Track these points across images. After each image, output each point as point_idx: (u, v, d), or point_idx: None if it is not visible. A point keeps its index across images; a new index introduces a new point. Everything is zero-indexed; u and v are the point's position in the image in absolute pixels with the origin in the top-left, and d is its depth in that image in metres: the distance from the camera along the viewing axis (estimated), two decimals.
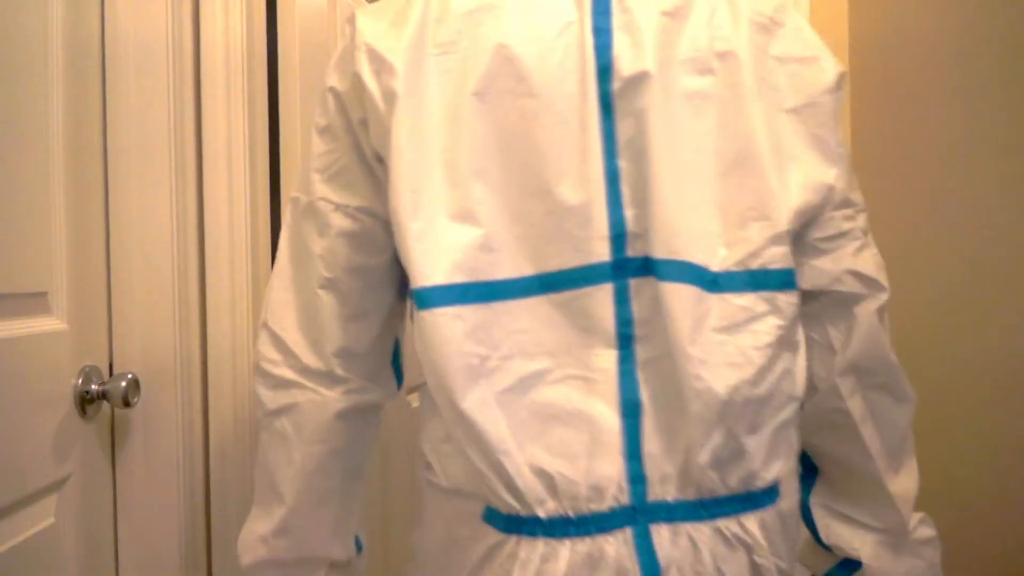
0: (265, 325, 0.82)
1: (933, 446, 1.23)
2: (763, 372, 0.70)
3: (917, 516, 0.85)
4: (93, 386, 1.11)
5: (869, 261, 0.80)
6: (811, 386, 0.81)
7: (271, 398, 0.81)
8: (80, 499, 1.11)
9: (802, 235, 0.77)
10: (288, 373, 0.80)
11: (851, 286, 0.79)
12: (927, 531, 0.86)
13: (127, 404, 1.12)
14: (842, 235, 0.78)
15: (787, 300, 0.72)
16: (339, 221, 0.77)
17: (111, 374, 1.20)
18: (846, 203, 0.78)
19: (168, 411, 1.25)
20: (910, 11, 1.32)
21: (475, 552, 0.71)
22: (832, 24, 1.53)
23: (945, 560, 0.89)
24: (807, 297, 0.79)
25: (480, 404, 0.67)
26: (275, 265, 0.82)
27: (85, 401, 1.10)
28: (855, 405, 0.81)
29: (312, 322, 0.79)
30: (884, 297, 0.81)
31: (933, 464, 1.22)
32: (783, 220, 0.71)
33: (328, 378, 0.80)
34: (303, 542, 0.81)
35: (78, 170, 1.13)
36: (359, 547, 0.90)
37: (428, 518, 0.80)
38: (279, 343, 0.81)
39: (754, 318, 0.71)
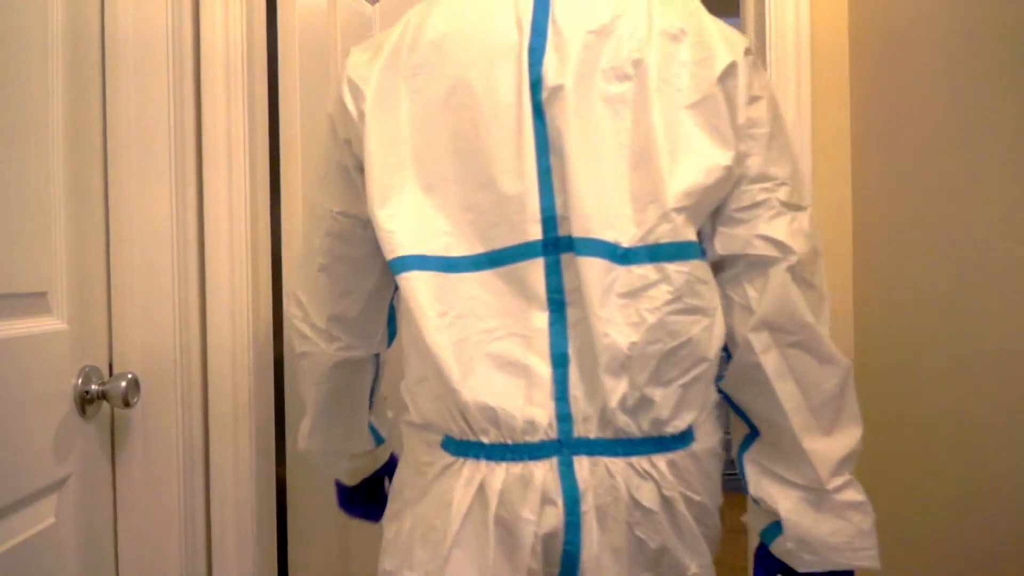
0: (292, 290, 1.07)
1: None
2: (654, 330, 0.83)
3: (843, 478, 0.88)
4: (93, 386, 1.11)
5: (781, 227, 0.88)
6: (735, 344, 0.90)
7: (297, 344, 1.07)
8: (80, 499, 1.11)
9: (722, 208, 0.89)
10: (304, 328, 1.05)
11: (763, 249, 0.88)
12: (854, 495, 0.89)
13: (127, 404, 1.12)
14: (757, 205, 0.88)
15: (675, 269, 0.84)
16: (328, 222, 0.98)
17: (111, 374, 1.20)
18: (762, 177, 0.89)
19: (168, 411, 1.25)
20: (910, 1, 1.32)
21: (431, 472, 0.87)
22: (833, 13, 1.53)
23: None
24: (728, 262, 0.90)
25: (441, 346, 0.84)
26: (297, 267, 1.07)
27: (85, 401, 1.10)
28: (769, 361, 0.88)
29: (316, 293, 1.02)
30: (794, 259, 0.87)
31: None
32: (670, 200, 0.84)
33: (326, 336, 1.03)
34: (326, 441, 1.12)
35: (78, 170, 1.13)
36: (379, 440, 1.17)
37: (403, 457, 0.96)
38: (300, 304, 1.05)
39: (649, 285, 0.84)
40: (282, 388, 1.44)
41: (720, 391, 0.93)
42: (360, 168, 0.91)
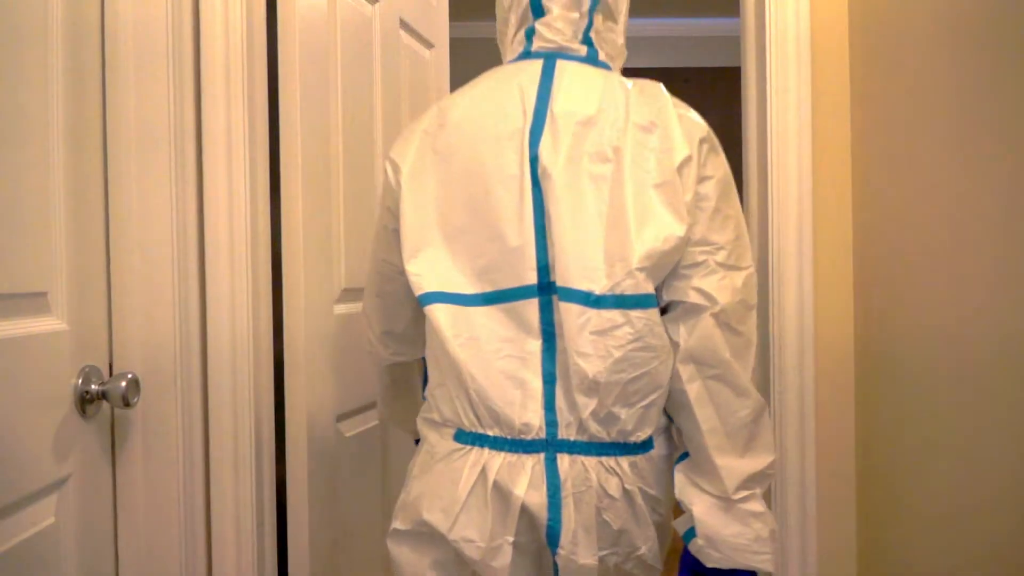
0: (363, 308, 1.35)
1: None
2: (620, 363, 1.04)
3: (748, 492, 1.06)
4: (93, 386, 1.11)
5: (712, 283, 1.08)
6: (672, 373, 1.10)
7: (367, 346, 1.36)
8: (80, 499, 1.11)
9: (675, 266, 1.09)
10: (370, 336, 1.34)
11: (695, 298, 1.07)
12: (757, 506, 1.06)
13: (127, 404, 1.12)
14: (696, 264, 1.08)
15: (637, 316, 1.05)
16: (379, 264, 1.26)
17: (111, 374, 1.20)
18: (704, 242, 1.08)
19: (168, 411, 1.25)
20: None
21: (438, 455, 1.10)
22: (833, 13, 1.53)
23: None
24: (671, 307, 1.10)
25: (459, 359, 1.07)
26: (365, 295, 1.34)
27: (85, 401, 1.10)
28: (692, 389, 1.07)
29: (393, 311, 1.29)
30: (718, 308, 1.06)
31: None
32: (634, 261, 1.04)
33: (382, 344, 1.33)
34: (391, 415, 1.45)
35: (78, 170, 1.13)
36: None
37: (417, 449, 1.17)
38: (367, 319, 1.33)
39: (615, 327, 1.04)
40: (282, 388, 1.44)
41: (666, 413, 1.13)
42: (397, 231, 1.17)
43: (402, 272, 1.15)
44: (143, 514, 1.24)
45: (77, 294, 1.11)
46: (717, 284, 1.08)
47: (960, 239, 1.17)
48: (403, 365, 1.39)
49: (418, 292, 1.10)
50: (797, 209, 1.53)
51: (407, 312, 1.27)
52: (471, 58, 4.64)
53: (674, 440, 1.13)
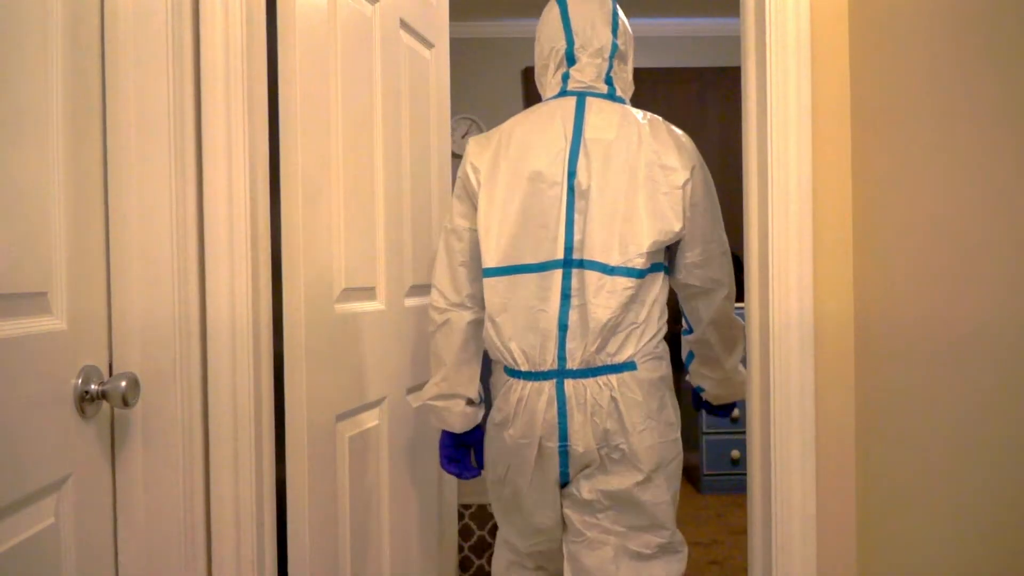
0: (433, 285, 1.69)
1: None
2: (616, 309, 1.52)
3: (735, 368, 1.77)
4: (93, 386, 1.11)
5: (720, 271, 1.65)
6: (695, 328, 1.74)
7: (437, 318, 1.68)
8: (80, 499, 1.11)
9: (685, 257, 1.63)
10: (444, 305, 1.67)
11: (710, 284, 1.65)
12: (739, 375, 1.77)
13: (127, 404, 1.12)
14: (710, 257, 1.63)
15: (636, 281, 1.53)
16: (466, 234, 1.66)
17: (111, 374, 1.20)
18: (707, 238, 1.62)
19: (168, 411, 1.25)
20: None
21: (500, 385, 1.61)
22: (833, 13, 1.53)
23: None
24: (693, 288, 1.66)
25: (502, 320, 1.56)
26: (436, 258, 1.70)
27: (85, 401, 1.10)
28: (713, 338, 1.72)
29: (456, 281, 1.66)
30: (725, 291, 1.67)
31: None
32: (644, 246, 1.53)
33: (462, 307, 1.67)
34: (453, 385, 1.68)
35: (78, 169, 1.13)
36: (481, 399, 1.74)
37: (492, 377, 1.67)
38: (440, 293, 1.68)
39: (623, 288, 1.52)
40: (282, 388, 1.44)
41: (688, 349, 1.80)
42: (475, 207, 1.64)
43: (477, 246, 1.62)
44: (143, 514, 1.24)
45: (77, 294, 1.11)
46: (723, 272, 1.65)
47: (962, 238, 1.18)
48: (476, 324, 1.67)
49: (483, 266, 1.59)
50: (797, 209, 1.53)
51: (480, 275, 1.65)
52: (472, 58, 4.66)
53: (665, 371, 1.62)
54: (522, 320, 1.55)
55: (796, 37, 1.52)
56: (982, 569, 1.14)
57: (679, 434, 1.62)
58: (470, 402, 1.69)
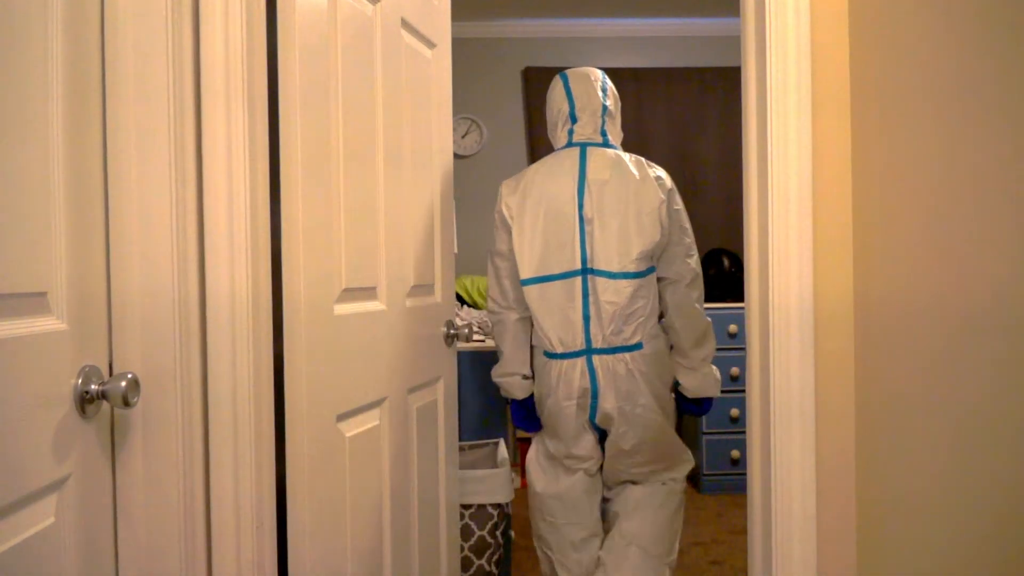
0: (487, 295, 2.33)
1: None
2: (622, 304, 2.14)
3: (703, 362, 2.27)
4: (93, 386, 1.11)
5: (682, 267, 2.22)
6: (665, 313, 2.25)
7: (494, 318, 2.31)
8: (80, 499, 1.10)
9: (664, 257, 2.22)
10: (497, 308, 2.30)
11: (674, 276, 2.22)
12: (709, 369, 2.29)
13: (127, 404, 1.11)
14: (676, 257, 2.22)
15: (634, 282, 2.15)
16: (507, 256, 2.25)
17: (111, 374, 1.20)
18: (678, 244, 2.22)
19: (168, 411, 1.25)
20: None
21: (539, 364, 2.26)
22: (833, 13, 1.53)
23: None
24: (664, 279, 2.23)
25: (541, 316, 2.20)
26: (488, 274, 2.33)
27: (85, 401, 1.10)
28: (677, 321, 2.24)
29: (503, 290, 2.27)
30: (687, 282, 2.22)
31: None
32: (633, 255, 2.14)
33: (509, 308, 2.27)
34: (511, 366, 2.30)
35: (78, 170, 1.13)
36: (531, 374, 2.31)
37: (535, 360, 2.29)
38: (493, 300, 2.30)
39: (624, 287, 2.14)
40: (282, 388, 1.44)
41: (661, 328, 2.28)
42: (511, 234, 2.23)
43: (515, 264, 2.22)
44: (143, 514, 1.24)
45: (77, 294, 1.11)
46: (683, 267, 2.24)
47: (962, 238, 1.17)
48: (523, 321, 2.29)
49: (521, 277, 2.20)
50: (797, 209, 1.53)
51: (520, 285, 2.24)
52: (472, 58, 4.66)
53: (662, 346, 2.24)
54: (556, 315, 2.17)
55: (796, 37, 1.52)
56: (982, 569, 1.14)
57: (671, 379, 2.29)
58: (525, 377, 2.32)
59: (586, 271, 2.15)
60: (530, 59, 4.83)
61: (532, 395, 2.32)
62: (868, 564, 1.51)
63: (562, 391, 2.17)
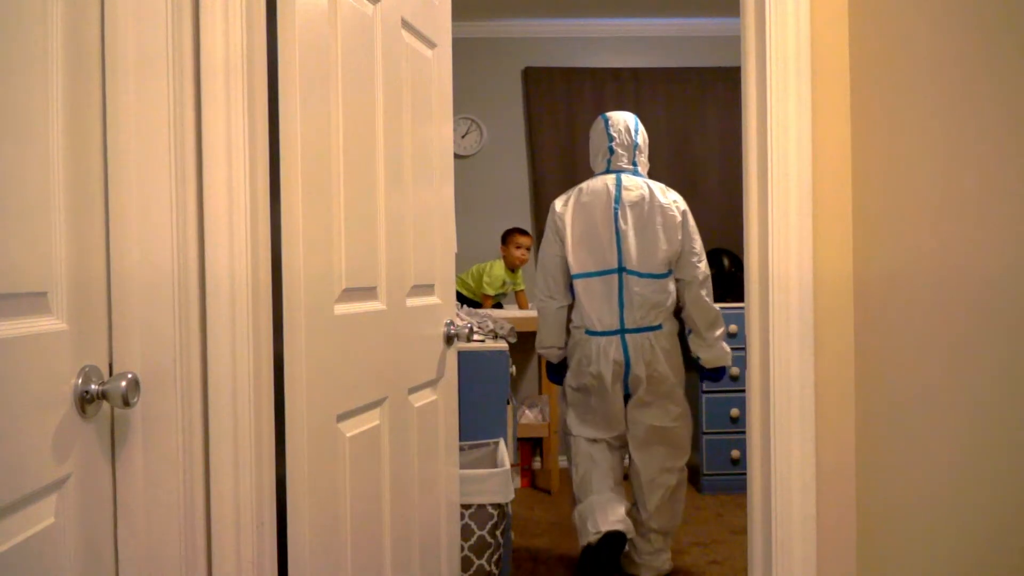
0: (536, 285, 3.19)
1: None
2: (649, 296, 2.98)
3: (718, 339, 3.06)
4: (93, 386, 1.11)
5: (695, 270, 3.01)
6: (683, 307, 3.07)
7: (540, 303, 3.15)
8: (80, 499, 1.10)
9: (678, 262, 3.02)
10: (543, 296, 3.14)
11: (688, 277, 3.02)
12: (722, 343, 3.06)
13: (127, 404, 1.11)
14: (690, 263, 3.01)
15: (657, 280, 2.99)
16: (556, 259, 3.10)
17: (111, 374, 1.20)
18: (691, 253, 3.01)
19: (168, 411, 1.25)
20: None
21: (576, 340, 3.08)
22: (833, 14, 1.53)
23: None
24: (681, 280, 3.05)
25: (586, 302, 3.02)
26: (537, 271, 3.22)
27: (85, 401, 1.10)
28: (694, 312, 3.04)
29: (547, 284, 3.12)
30: (698, 282, 3.00)
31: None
32: (658, 258, 2.98)
33: (552, 298, 3.12)
34: (554, 338, 3.16)
35: (78, 169, 1.13)
36: (565, 345, 3.16)
37: (569, 340, 3.14)
38: (541, 289, 3.14)
39: (651, 283, 2.99)
40: (282, 388, 1.44)
41: (676, 316, 3.05)
42: (563, 243, 3.05)
43: (565, 262, 3.01)
44: (143, 514, 1.24)
45: (77, 294, 1.11)
46: (694, 270, 2.99)
47: (962, 237, 1.17)
48: (563, 309, 3.06)
49: (572, 272, 2.99)
50: (797, 209, 1.53)
51: (568, 281, 3.03)
52: (473, 58, 4.66)
53: (675, 327, 2.99)
54: (598, 302, 2.95)
55: (796, 37, 1.52)
56: (983, 570, 1.14)
57: (679, 352, 3.04)
58: (559, 348, 3.12)
59: (622, 270, 2.96)
60: (530, 59, 4.83)
61: (563, 362, 3.19)
62: (868, 564, 1.51)
63: (599, 363, 2.94)
